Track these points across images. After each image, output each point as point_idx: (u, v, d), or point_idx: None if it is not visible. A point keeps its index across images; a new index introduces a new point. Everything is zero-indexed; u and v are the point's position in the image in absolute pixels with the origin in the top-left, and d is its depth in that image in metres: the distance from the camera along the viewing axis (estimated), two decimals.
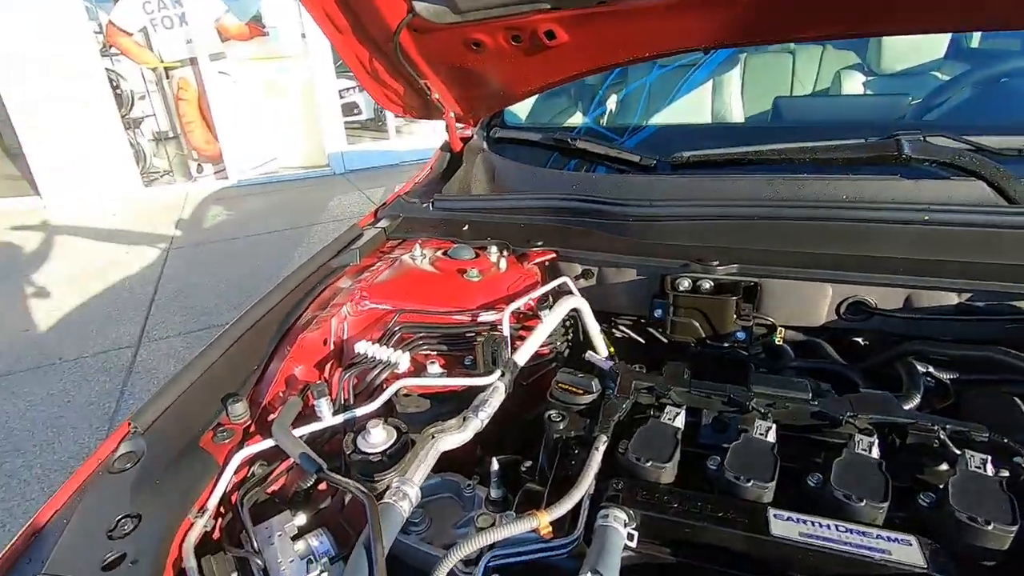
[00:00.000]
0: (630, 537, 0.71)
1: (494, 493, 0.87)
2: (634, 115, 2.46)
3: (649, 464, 0.77)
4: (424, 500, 0.90)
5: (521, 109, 2.19)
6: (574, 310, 1.23)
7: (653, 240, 1.32)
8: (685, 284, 1.22)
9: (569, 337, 1.32)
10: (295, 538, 0.84)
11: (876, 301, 1.14)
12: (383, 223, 1.54)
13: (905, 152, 1.26)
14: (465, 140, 1.85)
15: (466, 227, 1.48)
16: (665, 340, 1.24)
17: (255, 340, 1.11)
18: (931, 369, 0.97)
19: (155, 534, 0.73)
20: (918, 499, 0.72)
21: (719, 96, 2.56)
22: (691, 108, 2.56)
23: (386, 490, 0.76)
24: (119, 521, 0.74)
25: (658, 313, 1.25)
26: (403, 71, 1.43)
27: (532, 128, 1.91)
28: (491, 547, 0.73)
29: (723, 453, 0.78)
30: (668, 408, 0.87)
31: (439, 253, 1.32)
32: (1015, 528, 0.64)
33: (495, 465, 0.87)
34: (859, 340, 1.21)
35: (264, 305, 1.20)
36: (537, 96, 2.28)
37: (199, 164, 8.12)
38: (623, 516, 0.71)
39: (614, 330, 1.40)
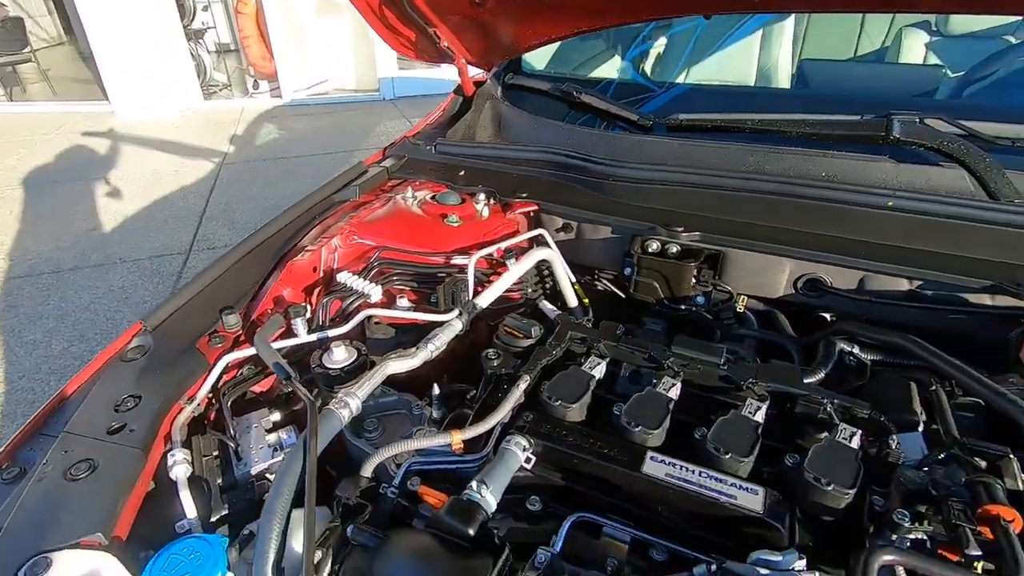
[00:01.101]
0: (528, 460, 0.84)
1: (435, 413, 1.01)
2: (669, 70, 2.40)
3: (558, 403, 0.89)
4: (381, 413, 1.05)
5: (543, 55, 2.18)
6: (544, 261, 1.33)
7: (630, 201, 1.38)
8: (655, 246, 1.28)
9: (547, 286, 1.42)
10: (270, 431, 1.02)
11: (832, 280, 1.18)
12: (388, 162, 1.64)
13: (894, 133, 1.24)
14: (479, 84, 1.89)
15: (463, 172, 1.56)
16: (626, 297, 1.32)
17: (255, 262, 1.26)
18: (855, 349, 1.03)
19: (151, 412, 0.91)
20: (785, 459, 0.81)
21: (766, 54, 2.45)
22: (734, 66, 2.47)
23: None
24: (124, 399, 0.92)
25: (628, 271, 1.33)
26: (412, 19, 1.48)
27: (546, 77, 1.93)
28: (417, 454, 0.88)
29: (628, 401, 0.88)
30: (592, 358, 0.97)
31: (429, 197, 1.42)
32: (851, 491, 0.73)
33: (436, 390, 1.00)
34: (826, 316, 1.25)
35: (268, 230, 1.34)
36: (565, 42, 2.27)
37: (255, 80, 8.31)
38: (524, 443, 0.84)
39: (596, 283, 1.49)
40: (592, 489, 0.83)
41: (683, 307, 1.28)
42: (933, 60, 2.27)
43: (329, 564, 0.78)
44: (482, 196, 1.42)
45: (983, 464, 0.78)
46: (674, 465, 0.80)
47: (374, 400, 1.05)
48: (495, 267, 1.31)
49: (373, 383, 0.94)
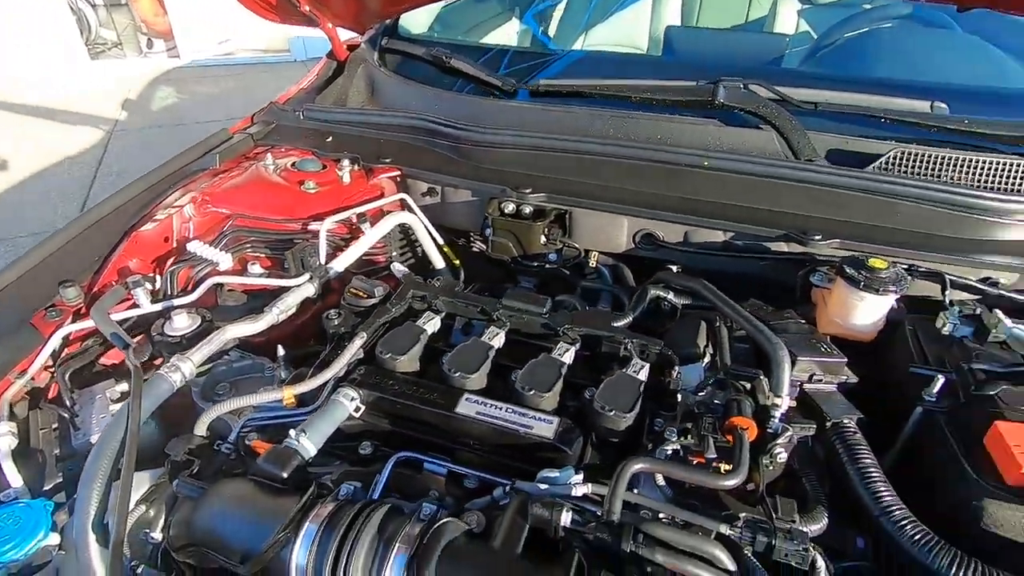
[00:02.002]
0: (357, 410, 0.90)
1: (283, 374, 1.05)
2: (568, 35, 2.43)
3: (388, 356, 0.95)
4: (235, 377, 1.09)
5: (424, 19, 2.17)
6: (405, 225, 1.38)
7: (489, 165, 1.44)
8: (510, 207, 1.36)
9: (418, 249, 1.47)
10: (117, 401, 1.03)
11: (663, 234, 1.30)
12: (254, 129, 1.61)
13: (719, 98, 1.36)
14: (353, 48, 1.87)
15: (330, 139, 1.57)
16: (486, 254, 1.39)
17: (101, 233, 1.23)
18: (670, 295, 1.15)
19: None
20: (584, 393, 0.91)
21: (657, 19, 2.53)
22: (628, 32, 2.53)
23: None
24: None
25: (487, 232, 1.40)
26: None
27: (427, 42, 1.92)
28: (255, 411, 0.93)
29: None
30: (427, 313, 1.04)
31: (289, 164, 1.42)
32: (629, 415, 0.84)
33: (281, 351, 1.04)
34: (672, 266, 1.36)
35: (117, 199, 1.31)
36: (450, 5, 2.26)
37: (149, 39, 7.65)
38: (352, 393, 0.90)
39: (471, 244, 1.55)
40: (416, 431, 0.91)
41: (536, 264, 1.37)
42: (804, 27, 2.43)
43: (163, 518, 0.83)
44: (346, 162, 1.43)
45: (747, 386, 0.91)
46: (485, 404, 0.89)
47: (228, 365, 1.09)
48: (355, 232, 1.34)
49: (211, 348, 0.97)
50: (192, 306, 1.10)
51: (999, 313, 0.94)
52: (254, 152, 1.56)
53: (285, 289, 1.13)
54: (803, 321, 1.05)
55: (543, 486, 0.77)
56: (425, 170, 1.45)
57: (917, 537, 0.72)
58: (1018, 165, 1.20)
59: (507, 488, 0.79)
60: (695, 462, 0.81)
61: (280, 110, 1.66)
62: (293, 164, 1.42)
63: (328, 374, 0.94)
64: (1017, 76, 1.57)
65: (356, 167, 1.44)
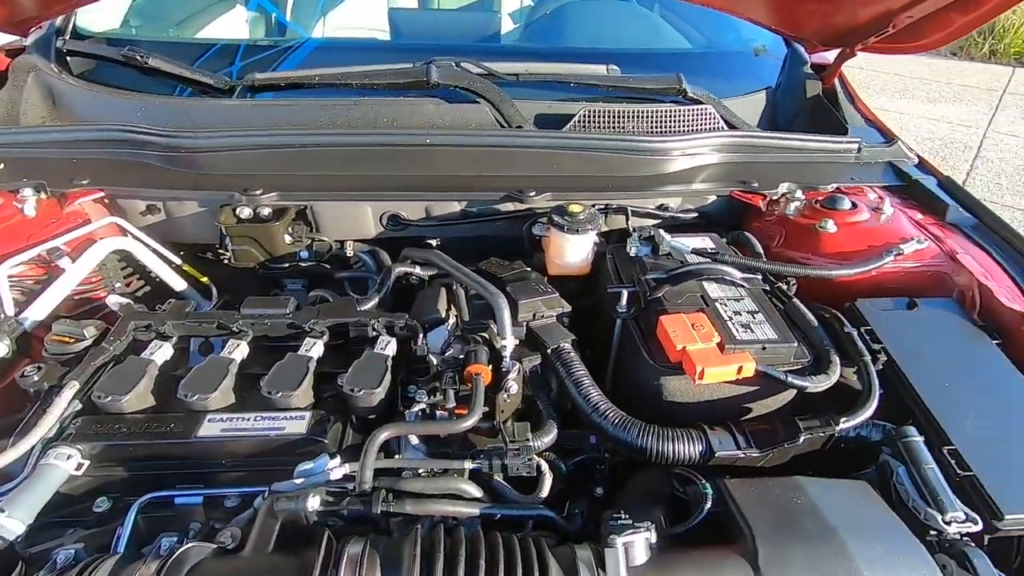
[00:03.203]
0: (79, 467, 0.81)
1: None
2: (305, 22, 2.30)
3: (109, 399, 0.86)
4: None
5: (115, 12, 1.89)
6: (124, 251, 1.23)
7: (212, 171, 1.34)
8: (246, 212, 1.29)
9: (153, 275, 1.32)
10: None
11: (407, 213, 1.35)
12: None
13: (433, 78, 1.44)
14: (15, 54, 1.57)
15: (2, 165, 1.31)
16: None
17: None
18: (416, 270, 1.22)
19: None
20: (338, 380, 0.93)
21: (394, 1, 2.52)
22: (366, 16, 2.48)
23: None
24: None
25: (226, 242, 1.31)
26: None
27: (117, 40, 1.69)
28: None
29: None
30: (154, 343, 0.96)
31: None
32: (378, 390, 0.88)
33: None
34: (431, 242, 1.41)
35: None
36: None
37: None
38: (67, 451, 0.80)
39: (220, 257, 1.44)
40: (152, 470, 0.84)
41: (287, 264, 1.33)
42: (527, 3, 2.65)
43: None
44: (28, 191, 1.22)
45: (484, 336, 1.02)
46: (231, 420, 0.86)
47: None
48: (55, 271, 1.16)
49: None
50: None
51: (662, 232, 1.19)
52: None
53: None
54: (529, 269, 1.19)
55: (299, 480, 0.79)
56: (137, 187, 1.30)
57: (617, 421, 0.89)
58: (673, 112, 1.49)
59: (266, 493, 0.79)
60: (440, 414, 0.89)
61: None
62: None
63: (33, 438, 0.82)
64: (669, 39, 1.94)
65: (43, 195, 1.23)
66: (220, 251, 1.42)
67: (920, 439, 0.86)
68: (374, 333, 1.02)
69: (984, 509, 0.79)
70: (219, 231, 1.31)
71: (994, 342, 1.03)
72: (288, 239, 1.31)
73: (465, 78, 1.46)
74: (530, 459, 0.80)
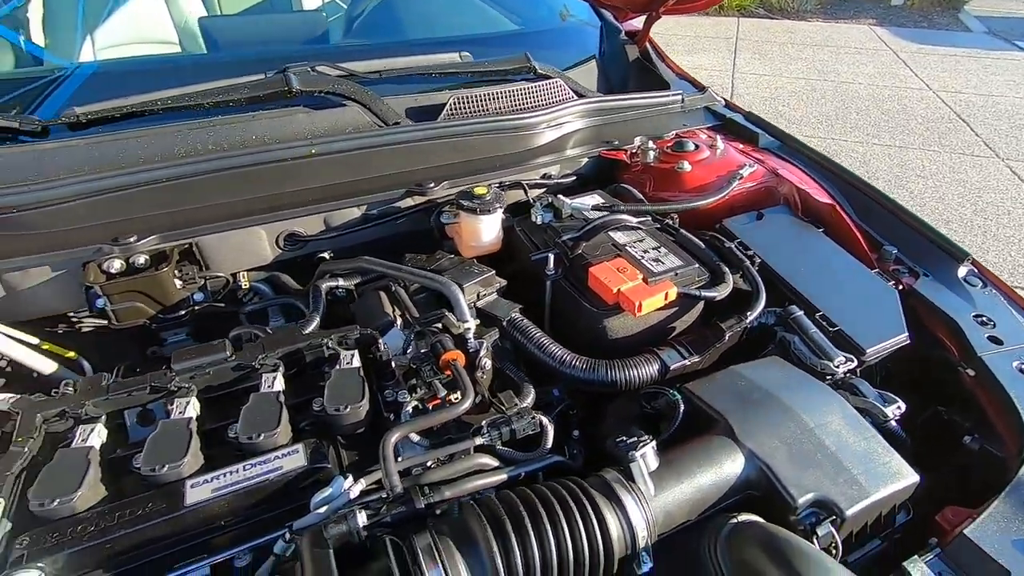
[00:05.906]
0: None
1: None
2: (65, 43, 1.94)
3: (55, 504, 0.74)
4: None
5: None
6: None
7: (63, 226, 1.15)
8: (117, 265, 1.13)
9: (5, 363, 1.10)
10: None
11: (305, 229, 1.30)
12: None
13: (294, 86, 1.38)
14: None
15: None
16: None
17: None
18: (340, 282, 1.19)
19: None
20: (312, 406, 0.91)
21: (176, 10, 2.24)
22: (150, 29, 2.18)
23: None
24: None
25: (99, 303, 1.14)
26: None
27: None
28: None
29: None
30: (80, 428, 0.83)
31: None
32: (363, 402, 0.88)
33: None
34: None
35: None
36: None
37: None
38: (31, 572, 0.68)
39: (80, 325, 1.23)
40: (142, 559, 0.76)
41: (184, 312, 1.20)
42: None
43: None
44: None
45: (440, 326, 1.06)
46: (217, 478, 0.80)
47: None
48: None
49: None
50: None
51: (561, 196, 1.32)
52: None
53: None
54: (452, 255, 1.24)
55: (322, 510, 0.77)
56: None
57: (584, 367, 1.00)
58: (530, 89, 1.62)
59: (287, 536, 0.76)
60: (432, 407, 0.92)
61: None
62: None
63: None
64: (496, 22, 2.06)
65: None
66: (85, 318, 1.23)
67: (801, 312, 1.11)
68: (331, 352, 0.99)
69: (852, 350, 1.06)
70: (85, 294, 1.14)
71: (819, 230, 1.34)
72: (179, 283, 1.19)
73: (328, 82, 1.42)
74: (533, 418, 0.88)
